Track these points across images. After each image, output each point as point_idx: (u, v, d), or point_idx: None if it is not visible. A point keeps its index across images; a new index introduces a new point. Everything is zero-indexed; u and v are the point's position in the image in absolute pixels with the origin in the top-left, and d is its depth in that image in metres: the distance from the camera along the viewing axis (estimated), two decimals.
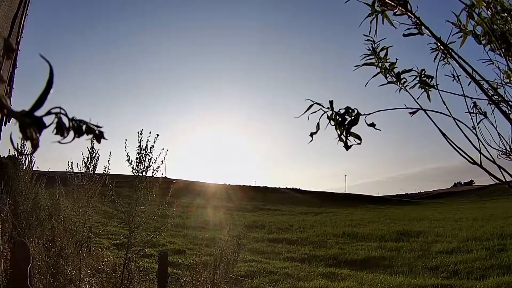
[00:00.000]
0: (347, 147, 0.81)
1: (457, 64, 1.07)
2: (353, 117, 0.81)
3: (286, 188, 62.45)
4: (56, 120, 0.43)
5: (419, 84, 1.19)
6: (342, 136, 0.81)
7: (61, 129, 0.43)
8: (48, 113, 0.42)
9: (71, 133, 0.44)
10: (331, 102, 0.81)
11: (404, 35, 1.08)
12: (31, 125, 0.40)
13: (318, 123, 0.82)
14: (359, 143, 0.81)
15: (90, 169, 4.41)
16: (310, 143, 0.83)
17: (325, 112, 0.82)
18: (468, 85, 1.20)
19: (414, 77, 1.19)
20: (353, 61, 1.34)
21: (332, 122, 0.82)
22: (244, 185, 57.27)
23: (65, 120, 0.43)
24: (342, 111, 0.82)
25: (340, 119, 0.81)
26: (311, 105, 0.81)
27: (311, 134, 0.82)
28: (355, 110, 0.82)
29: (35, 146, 0.41)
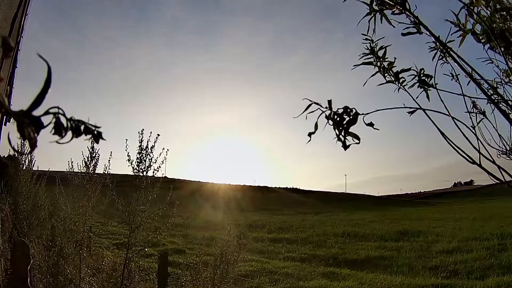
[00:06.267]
0: (345, 147, 0.80)
1: (456, 63, 1.07)
2: (351, 117, 0.81)
3: (286, 187, 62.44)
4: (54, 120, 0.43)
5: (418, 84, 1.19)
6: (340, 136, 0.81)
7: (59, 129, 0.43)
8: (46, 113, 0.42)
9: (69, 133, 0.44)
10: (329, 102, 0.81)
11: (403, 34, 1.08)
12: (29, 124, 0.40)
13: (316, 123, 0.81)
14: (358, 143, 0.81)
15: (91, 168, 4.41)
16: (308, 142, 0.83)
17: (323, 111, 0.82)
18: (468, 85, 1.20)
19: (413, 76, 1.19)
20: (352, 60, 1.34)
21: (330, 122, 0.82)
22: (244, 185, 57.29)
23: (63, 120, 0.43)
24: (340, 111, 0.81)
25: (338, 119, 0.81)
26: (309, 105, 0.81)
27: (309, 134, 0.82)
28: (353, 109, 0.82)
29: (33, 146, 0.41)
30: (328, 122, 0.82)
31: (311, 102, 0.80)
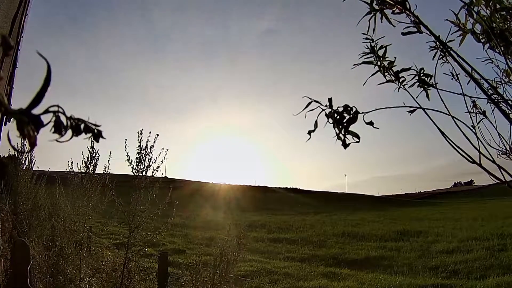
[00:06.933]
0: (345, 145, 0.80)
1: (456, 63, 1.07)
2: (351, 115, 0.81)
3: (286, 188, 62.49)
4: (54, 118, 0.43)
5: (418, 83, 1.18)
6: (340, 135, 0.81)
7: (58, 128, 0.43)
8: (46, 111, 0.42)
9: (69, 132, 0.44)
10: (329, 100, 0.81)
11: (403, 34, 1.08)
12: (28, 123, 0.40)
13: (316, 121, 0.81)
14: (358, 142, 0.81)
15: (90, 169, 4.41)
16: (308, 140, 0.82)
17: (323, 110, 0.81)
18: (468, 84, 1.20)
19: (413, 75, 1.19)
20: (353, 59, 1.34)
21: (331, 120, 0.81)
22: (244, 185, 57.33)
23: (63, 118, 0.43)
24: (340, 109, 0.81)
25: (338, 117, 0.81)
26: (309, 103, 0.81)
27: (309, 132, 0.82)
28: (353, 108, 0.82)
29: (32, 145, 0.41)
30: (328, 120, 0.82)
31: (311, 100, 0.80)
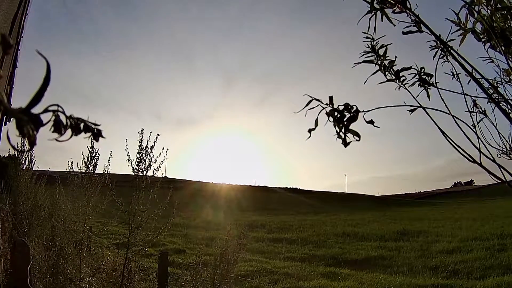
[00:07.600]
0: (346, 144, 0.80)
1: (456, 62, 1.07)
2: (352, 114, 0.81)
3: (286, 187, 62.56)
4: (53, 117, 0.42)
5: (418, 82, 1.18)
6: (340, 133, 0.80)
7: (58, 127, 0.43)
8: (46, 110, 0.41)
9: (69, 131, 0.44)
10: (330, 98, 0.81)
11: (404, 33, 1.07)
12: (28, 122, 0.40)
13: (316, 120, 0.81)
14: (358, 140, 0.81)
15: (90, 168, 4.40)
16: (308, 139, 0.82)
17: (323, 108, 0.81)
18: (468, 83, 1.20)
19: (414, 75, 1.18)
20: (353, 58, 1.34)
21: (331, 119, 0.81)
22: (244, 185, 57.39)
23: (62, 117, 0.43)
24: (341, 108, 0.81)
25: (338, 116, 0.81)
26: (310, 101, 0.81)
27: (309, 131, 0.82)
28: (354, 106, 0.81)
29: (32, 144, 0.41)
30: (328, 119, 0.81)
31: (311, 99, 0.80)
